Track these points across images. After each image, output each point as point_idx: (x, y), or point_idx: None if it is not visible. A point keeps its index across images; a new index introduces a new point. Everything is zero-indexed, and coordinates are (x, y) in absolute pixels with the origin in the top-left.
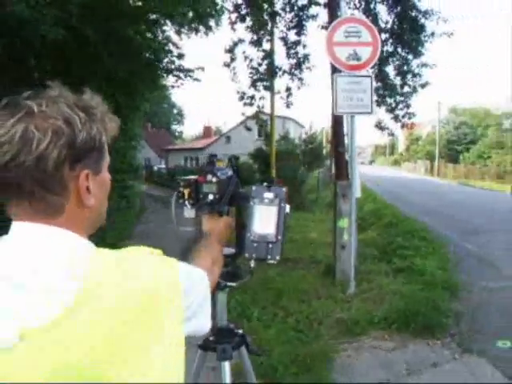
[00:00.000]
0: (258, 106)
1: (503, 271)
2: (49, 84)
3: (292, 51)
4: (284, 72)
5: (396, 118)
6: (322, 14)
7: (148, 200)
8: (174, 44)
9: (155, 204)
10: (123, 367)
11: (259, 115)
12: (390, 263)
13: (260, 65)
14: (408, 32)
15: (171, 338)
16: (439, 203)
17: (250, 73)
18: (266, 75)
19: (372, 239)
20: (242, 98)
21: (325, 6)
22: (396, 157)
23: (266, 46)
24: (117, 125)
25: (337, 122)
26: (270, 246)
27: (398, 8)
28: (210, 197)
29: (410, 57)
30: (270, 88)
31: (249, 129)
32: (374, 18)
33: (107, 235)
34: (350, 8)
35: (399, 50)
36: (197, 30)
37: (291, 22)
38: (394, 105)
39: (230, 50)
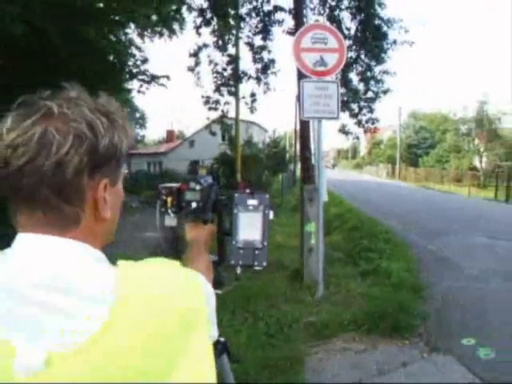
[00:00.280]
0: (223, 111)
1: (465, 271)
2: (65, 85)
3: (258, 56)
4: (249, 77)
5: (359, 123)
6: (288, 20)
7: None
8: (137, 47)
9: None
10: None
11: (224, 119)
12: (356, 266)
13: (225, 69)
14: (371, 39)
15: (203, 348)
16: (401, 206)
17: (215, 77)
18: (230, 80)
19: (337, 242)
20: (206, 103)
21: (290, 12)
22: (358, 160)
23: (232, 50)
24: (133, 134)
25: (303, 126)
26: (257, 252)
27: (362, 15)
28: (194, 204)
29: (373, 63)
30: (234, 93)
31: (213, 133)
32: (337, 24)
33: None
34: (314, 14)
35: (362, 56)
36: (161, 34)
37: (257, 27)
38: (357, 110)
39: (195, 55)
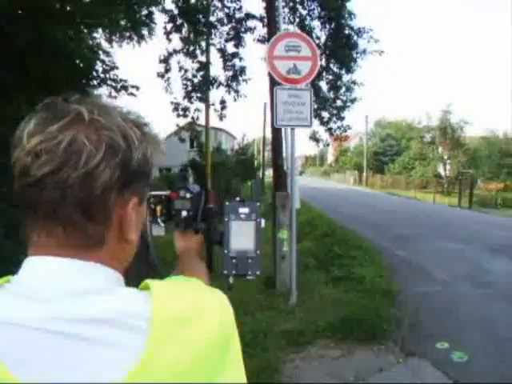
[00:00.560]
0: (193, 118)
1: (435, 276)
2: (90, 91)
3: (229, 63)
4: (219, 84)
5: (330, 131)
6: (260, 27)
7: None
8: (105, 51)
9: None
10: None
11: (193, 126)
12: (328, 272)
13: (195, 76)
14: (341, 48)
15: (240, 367)
16: (370, 212)
17: (184, 84)
18: (200, 87)
19: (309, 249)
20: (175, 109)
21: (261, 19)
22: (326, 168)
23: (202, 57)
24: (164, 147)
25: (275, 134)
26: (250, 261)
27: (332, 25)
28: (184, 213)
29: (342, 72)
30: (204, 100)
31: (182, 140)
32: (308, 33)
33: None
34: (284, 23)
35: (331, 65)
36: (131, 39)
37: (228, 34)
38: (327, 118)
39: (165, 61)
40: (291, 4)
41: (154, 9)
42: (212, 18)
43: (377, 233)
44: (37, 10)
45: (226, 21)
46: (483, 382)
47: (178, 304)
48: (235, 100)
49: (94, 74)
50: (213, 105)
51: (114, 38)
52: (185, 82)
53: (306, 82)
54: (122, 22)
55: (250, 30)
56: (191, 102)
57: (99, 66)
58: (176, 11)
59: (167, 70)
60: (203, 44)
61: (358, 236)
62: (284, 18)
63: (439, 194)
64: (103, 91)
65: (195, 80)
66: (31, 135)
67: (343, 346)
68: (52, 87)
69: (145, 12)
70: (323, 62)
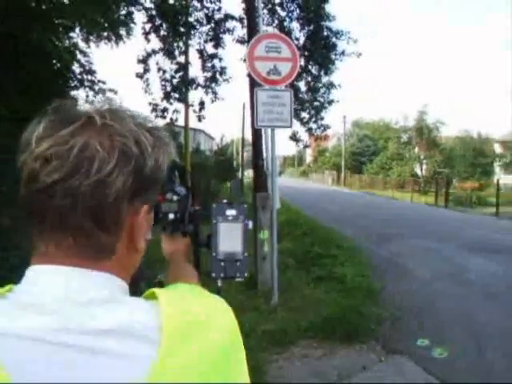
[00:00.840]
0: (171, 119)
1: (415, 274)
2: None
3: (208, 64)
4: (198, 85)
5: (310, 131)
6: (239, 28)
7: None
8: (82, 51)
9: None
10: None
11: (171, 127)
12: (309, 272)
13: (173, 77)
14: (319, 50)
15: (245, 371)
16: (349, 212)
17: (163, 85)
18: (179, 87)
19: (289, 249)
20: (154, 110)
21: (241, 20)
22: (304, 168)
23: (181, 58)
24: (175, 153)
25: (255, 134)
26: (238, 263)
27: (311, 26)
28: (171, 216)
29: (321, 74)
30: (183, 100)
31: None
32: (287, 34)
33: (11, 254)
34: (263, 24)
35: (310, 66)
36: (109, 39)
37: (208, 34)
38: (307, 118)
39: (143, 61)
40: (270, 5)
41: (133, 8)
42: (191, 19)
43: (357, 232)
44: (12, 9)
45: (205, 21)
46: (463, 376)
47: (187, 313)
48: (212, 102)
49: (72, 75)
50: (191, 105)
51: (91, 37)
52: (163, 82)
53: (287, 83)
54: (101, 21)
55: (230, 30)
56: (170, 103)
57: (77, 67)
58: (155, 11)
59: (146, 71)
60: (181, 44)
61: (338, 235)
62: (263, 20)
63: (416, 193)
64: (81, 94)
65: (174, 81)
66: (40, 139)
67: (326, 346)
68: (28, 88)
69: (123, 12)
70: (302, 63)
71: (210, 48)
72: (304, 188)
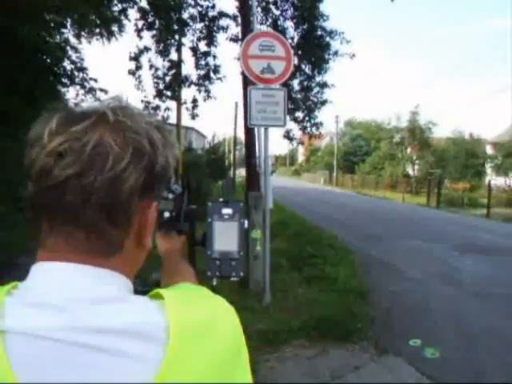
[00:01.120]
0: (163, 117)
1: (406, 274)
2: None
3: (202, 62)
4: (191, 83)
5: (304, 129)
6: (233, 26)
7: None
8: (73, 47)
9: None
10: None
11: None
12: (301, 272)
13: (166, 75)
14: (313, 49)
15: (249, 370)
16: (341, 211)
17: (155, 82)
18: (171, 85)
19: (281, 249)
20: (146, 108)
21: (234, 18)
22: (296, 167)
23: (174, 55)
24: (178, 152)
25: (248, 133)
26: (233, 263)
27: (305, 26)
28: (166, 214)
29: (315, 73)
30: (175, 98)
31: None
32: (281, 33)
33: None
34: (257, 23)
35: (303, 66)
36: (101, 35)
37: (201, 32)
38: (301, 117)
39: (135, 58)
40: (264, 4)
41: (126, 5)
42: (184, 16)
43: (348, 232)
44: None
45: (198, 19)
46: (455, 376)
47: (194, 313)
48: (205, 100)
49: (62, 71)
50: (184, 103)
51: (82, 33)
52: (156, 80)
53: (280, 82)
54: (93, 17)
55: (223, 28)
56: (163, 101)
57: (68, 64)
58: (148, 8)
59: (138, 68)
60: (174, 41)
61: (331, 235)
62: (257, 18)
63: (408, 193)
64: (71, 92)
65: (167, 78)
66: (53, 134)
67: (318, 346)
68: (17, 84)
69: (117, 8)
70: (296, 63)
71: (203, 46)
72: (295, 187)
